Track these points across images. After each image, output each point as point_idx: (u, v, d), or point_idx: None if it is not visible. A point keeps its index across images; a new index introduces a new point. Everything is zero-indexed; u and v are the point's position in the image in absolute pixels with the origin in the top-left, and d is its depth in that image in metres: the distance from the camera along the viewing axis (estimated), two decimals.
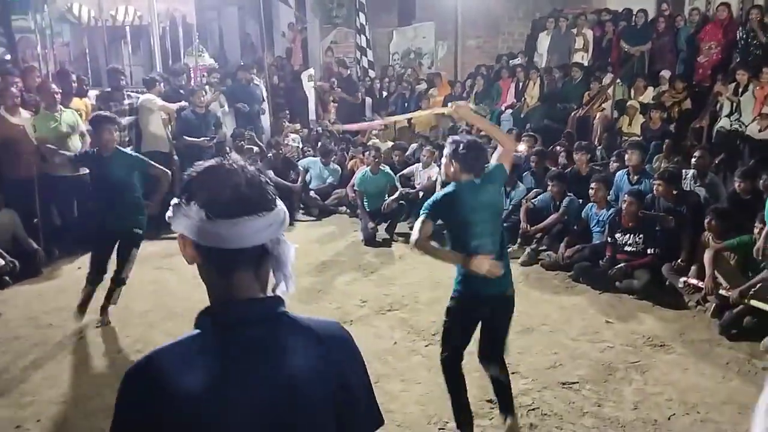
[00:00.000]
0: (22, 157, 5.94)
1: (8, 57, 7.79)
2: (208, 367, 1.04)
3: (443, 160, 3.08)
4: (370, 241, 6.82)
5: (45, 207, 6.11)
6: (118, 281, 4.54)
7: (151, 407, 1.02)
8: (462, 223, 2.94)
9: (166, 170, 4.69)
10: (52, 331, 4.51)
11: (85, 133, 6.34)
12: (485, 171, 2.96)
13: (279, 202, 1.14)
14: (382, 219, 7.13)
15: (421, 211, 2.98)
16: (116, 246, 4.52)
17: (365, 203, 7.20)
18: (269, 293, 1.16)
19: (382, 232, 7.05)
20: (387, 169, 7.43)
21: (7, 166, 5.96)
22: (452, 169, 2.99)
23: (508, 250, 6.20)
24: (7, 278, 5.34)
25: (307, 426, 1.10)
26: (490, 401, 3.50)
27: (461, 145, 2.94)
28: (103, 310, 4.56)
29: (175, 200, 1.11)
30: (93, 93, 7.57)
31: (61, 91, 6.32)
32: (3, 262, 5.34)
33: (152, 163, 4.68)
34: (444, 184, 7.47)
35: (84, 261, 5.91)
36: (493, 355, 3.13)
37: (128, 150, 5.05)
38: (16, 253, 5.58)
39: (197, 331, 1.08)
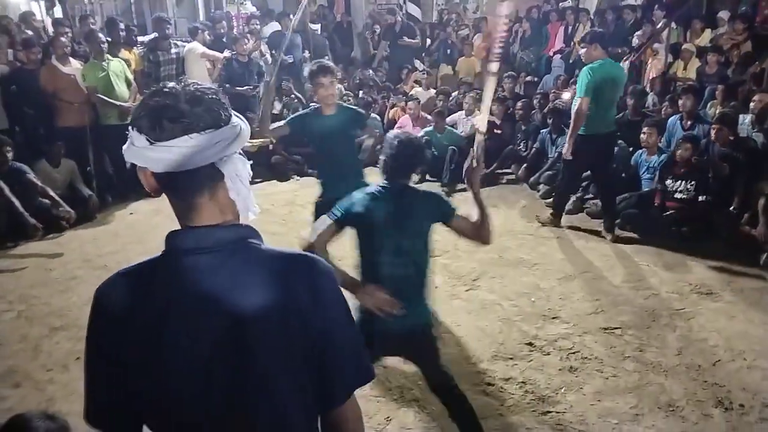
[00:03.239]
0: (73, 107, 6.10)
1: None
2: (154, 293, 1.04)
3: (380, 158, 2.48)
4: None
5: (98, 155, 6.28)
6: None
7: (107, 326, 1.06)
8: (374, 237, 2.36)
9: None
10: (106, 272, 4.57)
11: (132, 82, 6.46)
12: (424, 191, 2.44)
13: (234, 118, 1.07)
14: (427, 170, 7.06)
15: (331, 211, 2.40)
16: None
17: None
18: (238, 221, 1.10)
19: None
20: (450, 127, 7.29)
21: (60, 116, 6.13)
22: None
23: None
24: (64, 223, 5.58)
25: (256, 366, 1.03)
26: (529, 344, 3.53)
27: (395, 145, 2.40)
28: None
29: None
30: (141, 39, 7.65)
31: (109, 40, 6.41)
32: (62, 209, 5.55)
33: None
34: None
35: (136, 207, 6.15)
36: (438, 386, 2.57)
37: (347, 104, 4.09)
38: (72, 198, 5.81)
39: (159, 254, 1.07)
